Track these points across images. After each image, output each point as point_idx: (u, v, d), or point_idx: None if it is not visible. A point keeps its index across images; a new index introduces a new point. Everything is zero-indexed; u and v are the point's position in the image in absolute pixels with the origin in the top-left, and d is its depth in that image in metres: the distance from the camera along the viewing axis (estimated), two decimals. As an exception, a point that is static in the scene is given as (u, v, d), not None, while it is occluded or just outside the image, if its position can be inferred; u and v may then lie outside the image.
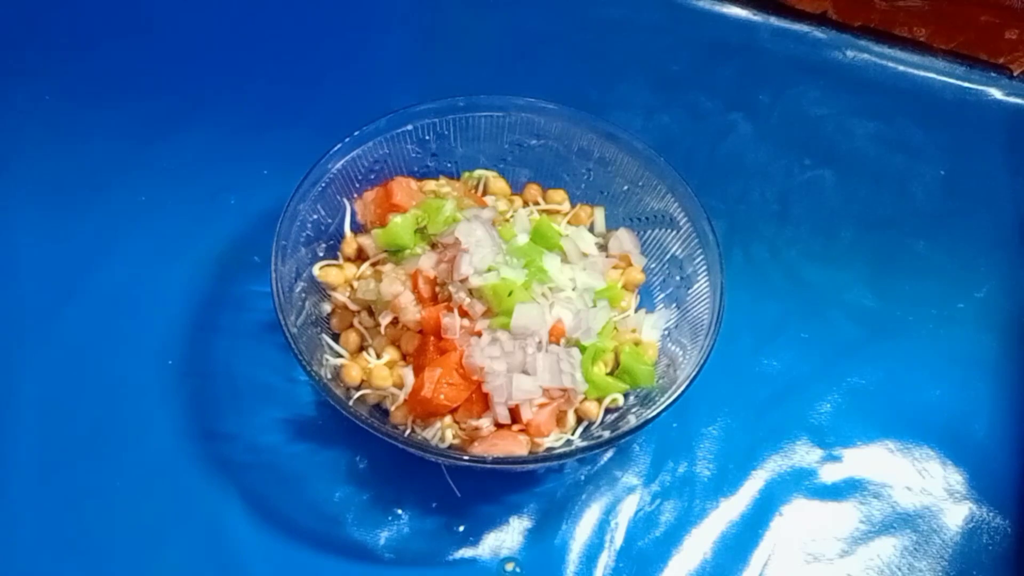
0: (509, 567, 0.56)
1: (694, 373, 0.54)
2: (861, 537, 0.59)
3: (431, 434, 0.54)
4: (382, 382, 0.55)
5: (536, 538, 0.57)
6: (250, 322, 0.62)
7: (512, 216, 0.60)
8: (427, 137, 0.62)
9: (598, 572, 0.56)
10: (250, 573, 0.54)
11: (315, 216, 0.59)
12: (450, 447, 0.54)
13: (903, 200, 0.73)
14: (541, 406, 0.54)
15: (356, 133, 0.60)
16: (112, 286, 0.63)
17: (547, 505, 0.58)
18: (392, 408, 0.56)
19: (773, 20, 0.81)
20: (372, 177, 0.61)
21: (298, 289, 0.58)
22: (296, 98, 0.73)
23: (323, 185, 0.59)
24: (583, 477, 0.59)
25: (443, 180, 0.62)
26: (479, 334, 0.54)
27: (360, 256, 0.60)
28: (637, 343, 0.59)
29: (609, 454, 0.60)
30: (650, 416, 0.53)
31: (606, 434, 0.54)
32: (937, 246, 0.71)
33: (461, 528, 0.57)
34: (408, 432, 0.54)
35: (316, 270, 0.58)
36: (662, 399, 0.54)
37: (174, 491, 0.57)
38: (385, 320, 0.56)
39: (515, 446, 0.53)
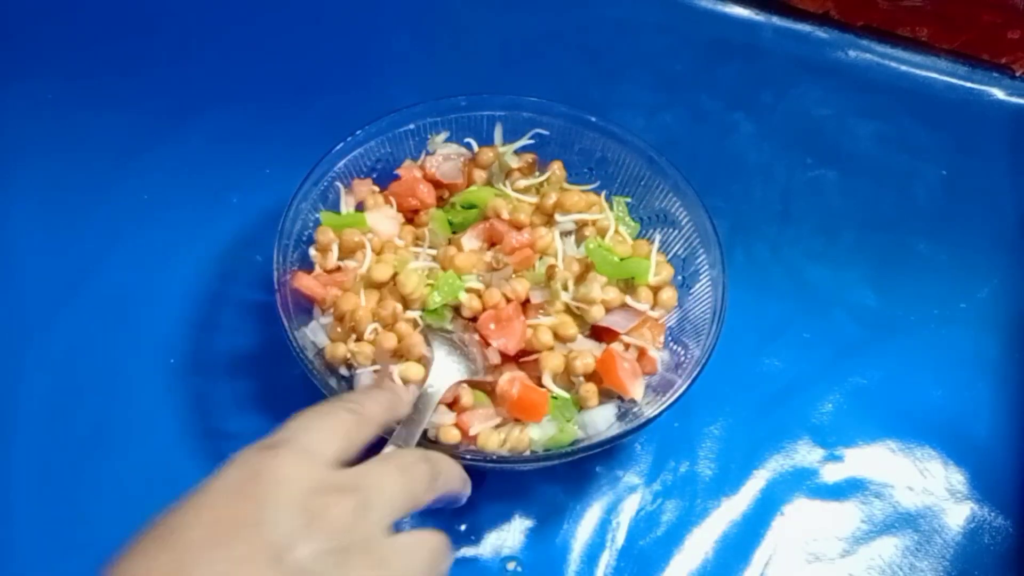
0: (510, 566, 0.56)
1: (696, 372, 0.54)
2: (862, 537, 0.59)
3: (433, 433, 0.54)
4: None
5: (537, 537, 0.57)
6: (252, 321, 0.62)
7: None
8: (429, 136, 0.63)
9: (599, 571, 0.56)
10: (252, 571, 0.54)
11: (317, 215, 0.59)
12: (451, 445, 0.53)
13: (905, 200, 0.73)
14: None
15: (358, 132, 0.60)
16: (114, 285, 0.63)
17: (548, 504, 0.58)
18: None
19: (775, 20, 0.81)
20: (374, 176, 0.61)
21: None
22: (298, 97, 0.73)
23: (325, 184, 0.59)
24: (584, 477, 0.59)
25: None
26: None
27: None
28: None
29: (610, 454, 0.60)
30: (651, 415, 0.53)
31: (607, 434, 0.54)
32: (939, 246, 0.71)
33: (462, 527, 0.57)
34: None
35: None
36: (663, 398, 0.54)
37: (176, 490, 0.56)
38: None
39: None
